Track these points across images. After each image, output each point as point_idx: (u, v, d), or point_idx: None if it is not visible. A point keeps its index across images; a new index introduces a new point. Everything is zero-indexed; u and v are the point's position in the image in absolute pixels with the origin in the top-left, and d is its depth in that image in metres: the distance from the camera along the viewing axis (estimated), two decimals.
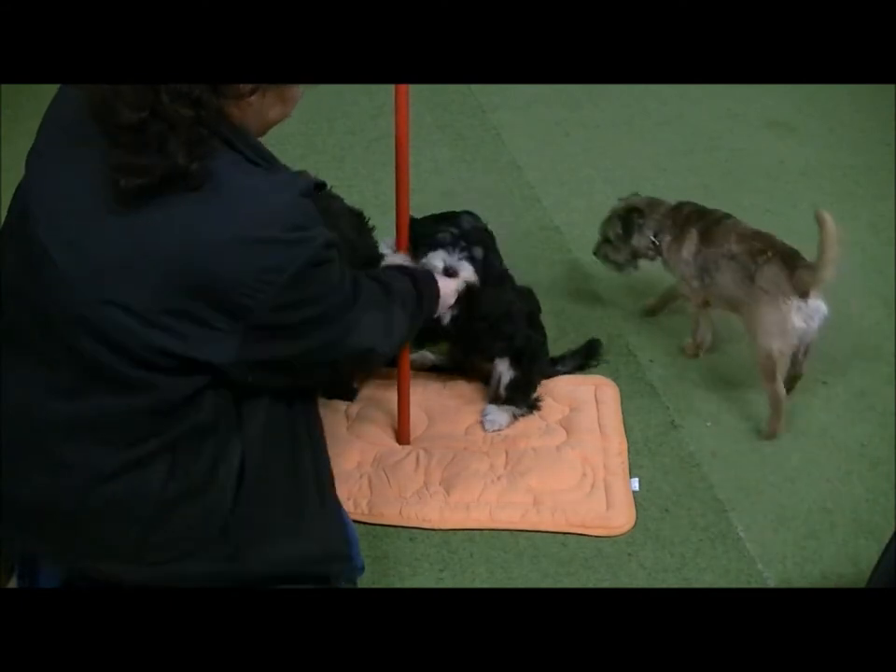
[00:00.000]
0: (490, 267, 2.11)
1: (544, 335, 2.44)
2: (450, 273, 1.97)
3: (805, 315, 2.23)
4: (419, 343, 2.39)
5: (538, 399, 2.41)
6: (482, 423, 2.35)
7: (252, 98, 1.24)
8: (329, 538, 1.56)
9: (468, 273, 1.99)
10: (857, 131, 3.82)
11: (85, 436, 1.30)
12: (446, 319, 2.11)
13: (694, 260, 2.44)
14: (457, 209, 2.20)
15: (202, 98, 1.15)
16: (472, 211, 2.20)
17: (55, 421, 1.30)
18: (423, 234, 2.06)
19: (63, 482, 1.30)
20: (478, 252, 2.06)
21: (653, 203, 2.57)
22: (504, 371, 2.34)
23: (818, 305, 2.23)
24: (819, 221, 2.13)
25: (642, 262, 2.64)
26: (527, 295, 2.40)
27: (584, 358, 2.56)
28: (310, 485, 1.51)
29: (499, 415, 2.35)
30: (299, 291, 1.26)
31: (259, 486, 1.40)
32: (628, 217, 2.56)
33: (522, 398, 2.37)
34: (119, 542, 1.35)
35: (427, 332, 2.15)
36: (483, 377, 2.45)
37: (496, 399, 2.37)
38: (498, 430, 2.33)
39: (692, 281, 2.47)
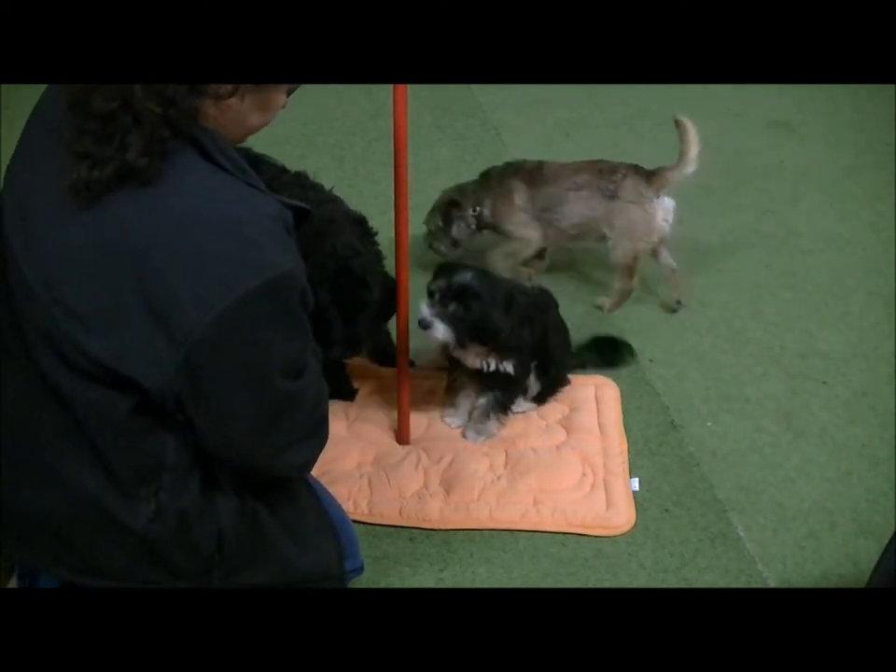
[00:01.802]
0: (475, 327, 2.09)
1: (566, 329, 2.45)
2: (423, 325, 2.05)
3: (665, 212, 2.64)
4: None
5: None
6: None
7: (231, 100, 1.19)
8: (322, 562, 1.54)
9: (438, 332, 2.04)
10: (857, 131, 3.82)
11: (62, 447, 1.27)
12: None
13: (531, 205, 2.68)
14: None
15: (175, 97, 1.12)
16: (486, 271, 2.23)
17: (35, 427, 1.28)
18: (438, 276, 2.13)
19: (54, 494, 1.29)
20: (456, 309, 2.06)
21: (463, 188, 2.81)
22: (531, 382, 2.36)
23: (670, 202, 2.65)
24: (679, 125, 2.56)
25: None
26: (542, 295, 2.40)
27: (609, 355, 2.57)
28: (302, 504, 1.50)
29: (524, 402, 2.38)
30: (240, 325, 1.14)
31: (250, 518, 1.38)
32: (446, 211, 2.77)
33: (547, 397, 2.42)
34: (103, 561, 1.33)
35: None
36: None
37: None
38: (523, 412, 2.37)
39: (528, 227, 2.72)
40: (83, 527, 1.30)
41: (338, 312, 2.07)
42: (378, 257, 2.23)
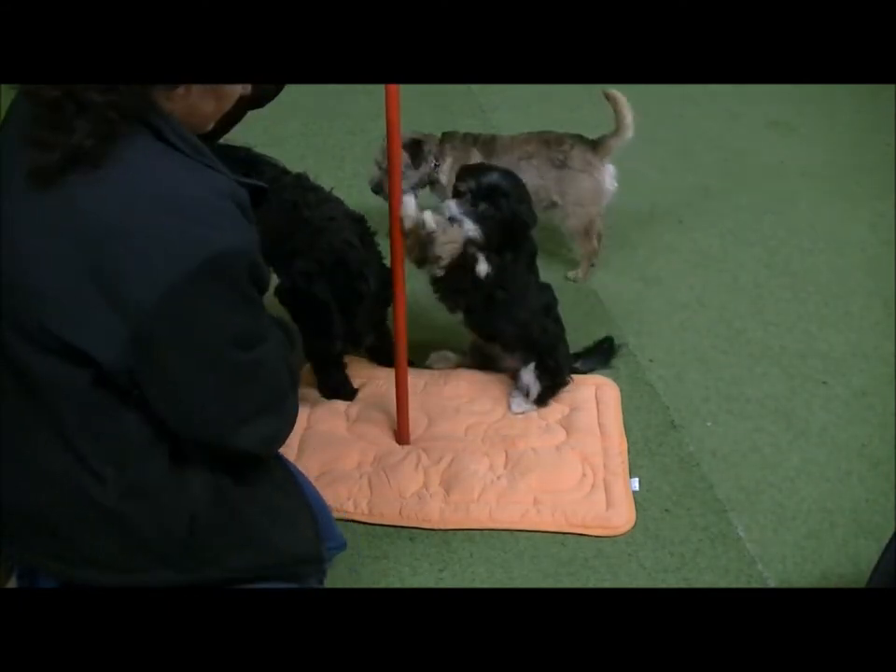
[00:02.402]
0: (501, 231, 2.12)
1: (562, 328, 2.45)
2: (452, 221, 2.04)
3: (611, 178, 2.85)
4: (450, 308, 2.34)
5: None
6: (509, 404, 2.39)
7: (180, 90, 1.23)
8: (300, 541, 1.54)
9: (469, 229, 2.02)
10: (857, 131, 3.83)
11: (34, 433, 1.29)
12: (483, 270, 2.16)
13: None
14: None
15: (118, 85, 1.15)
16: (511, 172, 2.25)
17: (13, 415, 1.30)
18: (464, 177, 2.16)
19: (16, 475, 1.31)
20: (486, 208, 2.10)
21: (427, 136, 2.89)
22: (531, 383, 2.37)
23: (613, 167, 2.86)
24: (610, 97, 2.75)
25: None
26: (544, 290, 2.40)
27: (603, 357, 2.58)
28: (277, 483, 1.50)
29: (526, 401, 2.39)
30: (187, 301, 1.18)
31: (224, 496, 1.39)
32: (415, 150, 2.82)
33: (548, 399, 2.41)
34: (77, 547, 1.34)
35: (450, 294, 2.23)
36: (505, 371, 2.48)
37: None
38: (524, 412, 2.39)
39: None
40: (58, 510, 1.32)
41: (337, 305, 2.11)
42: (375, 252, 2.26)
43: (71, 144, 1.15)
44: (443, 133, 2.93)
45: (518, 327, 2.32)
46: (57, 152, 1.15)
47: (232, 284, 1.22)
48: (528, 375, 2.36)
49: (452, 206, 2.11)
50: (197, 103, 1.27)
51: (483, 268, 2.16)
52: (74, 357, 1.21)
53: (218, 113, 1.33)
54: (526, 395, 2.38)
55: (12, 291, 1.22)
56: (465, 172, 2.23)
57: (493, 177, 2.16)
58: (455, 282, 2.20)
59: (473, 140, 2.90)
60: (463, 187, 2.14)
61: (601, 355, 2.57)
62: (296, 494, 1.57)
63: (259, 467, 1.48)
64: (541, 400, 2.39)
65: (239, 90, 1.33)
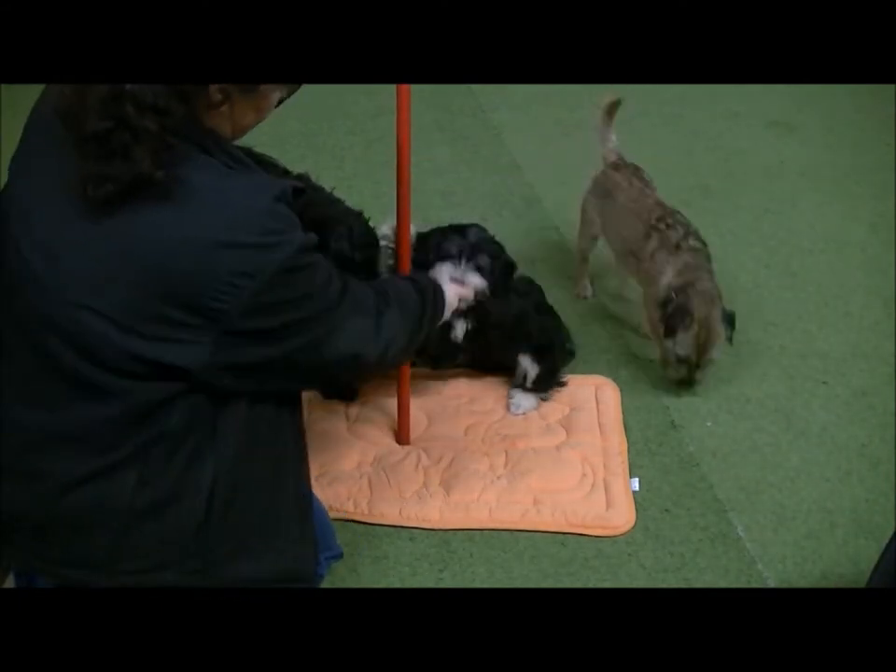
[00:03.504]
0: (498, 278, 2.13)
1: (558, 319, 2.47)
2: (457, 281, 1.98)
3: None
4: (438, 366, 2.41)
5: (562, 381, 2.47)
6: (507, 406, 2.39)
7: (223, 108, 1.25)
8: (301, 557, 1.54)
9: (476, 281, 2.01)
10: (857, 131, 3.82)
11: (57, 445, 1.29)
12: (460, 334, 2.19)
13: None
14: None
15: (168, 108, 1.15)
16: (477, 223, 2.25)
17: (30, 431, 1.29)
18: (431, 247, 2.11)
19: (33, 490, 1.30)
20: (485, 261, 2.10)
21: None
22: (528, 366, 2.37)
23: None
24: None
25: None
26: (528, 285, 2.41)
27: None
28: (289, 499, 1.49)
29: (525, 399, 2.40)
30: (273, 296, 1.24)
31: (234, 500, 1.38)
32: None
33: (547, 386, 2.42)
34: (88, 551, 1.33)
35: (444, 353, 2.25)
36: (504, 370, 2.48)
37: (521, 385, 2.40)
38: (524, 413, 2.38)
39: None
40: (65, 515, 1.31)
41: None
42: (375, 250, 2.23)
43: (137, 173, 1.15)
44: None
45: (519, 341, 2.35)
46: (120, 182, 1.15)
47: (306, 271, 1.29)
48: (525, 360, 2.37)
49: (451, 269, 2.02)
50: (238, 118, 1.29)
51: (460, 330, 2.20)
52: (159, 374, 1.23)
53: (256, 123, 1.35)
54: (524, 380, 2.38)
55: (73, 316, 1.22)
56: (436, 236, 2.17)
57: (475, 233, 2.17)
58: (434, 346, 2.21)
59: None
60: (454, 249, 2.12)
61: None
62: (306, 510, 1.56)
63: (274, 475, 1.47)
64: (540, 384, 2.39)
65: (276, 98, 1.34)
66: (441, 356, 2.31)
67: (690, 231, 2.48)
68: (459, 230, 2.18)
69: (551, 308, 2.47)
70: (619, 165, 2.70)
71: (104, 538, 1.32)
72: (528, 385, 2.39)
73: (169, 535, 1.35)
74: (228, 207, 1.21)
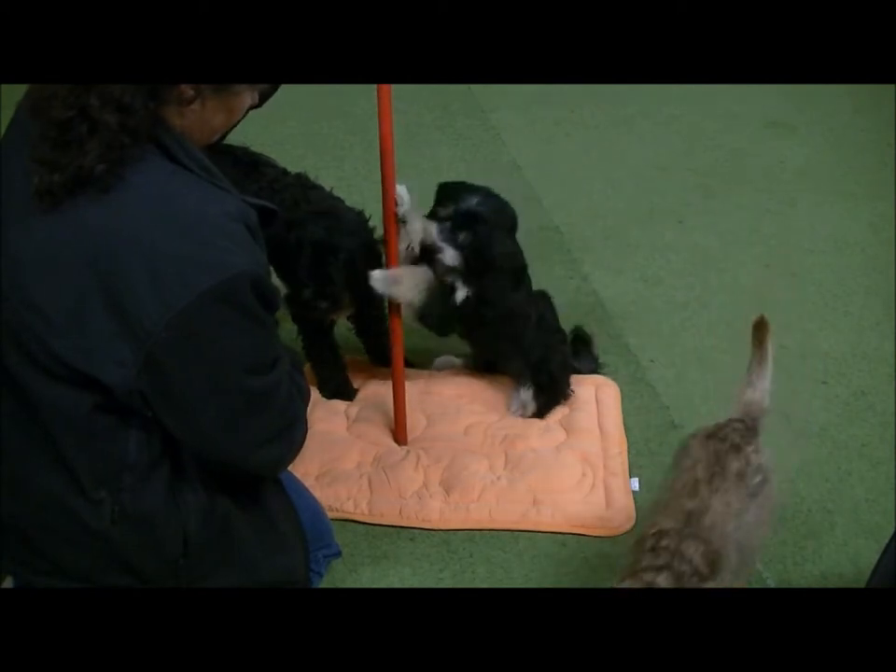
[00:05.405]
0: (487, 252, 2.08)
1: (564, 339, 2.44)
2: (432, 250, 1.99)
3: None
4: (442, 332, 2.33)
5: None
6: (509, 406, 2.38)
7: (194, 105, 1.22)
8: (288, 568, 1.54)
9: (448, 257, 1.99)
10: (857, 131, 3.82)
11: (22, 448, 1.28)
12: (459, 298, 2.13)
13: None
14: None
15: (132, 105, 1.14)
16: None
17: (10, 435, 1.29)
18: (443, 199, 2.08)
19: (18, 499, 1.31)
20: (464, 238, 2.04)
21: None
22: (528, 401, 2.36)
23: None
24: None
25: None
26: (541, 298, 2.40)
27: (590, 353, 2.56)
28: (272, 513, 1.50)
29: (527, 405, 2.38)
30: (199, 324, 1.17)
31: (216, 521, 1.38)
32: None
33: (546, 413, 2.39)
34: (73, 562, 1.34)
35: (441, 320, 2.20)
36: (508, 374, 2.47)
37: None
38: (524, 414, 2.37)
39: None
40: (48, 529, 1.31)
41: (310, 251, 2.10)
42: (363, 222, 2.23)
43: (80, 166, 1.13)
44: None
45: (510, 341, 2.32)
46: (65, 173, 1.14)
47: (242, 306, 1.20)
48: (525, 394, 2.36)
49: (433, 234, 2.04)
50: (209, 117, 1.26)
51: (460, 295, 2.13)
52: (81, 382, 1.20)
53: (227, 126, 1.32)
54: (522, 410, 2.37)
55: (19, 315, 1.20)
56: (444, 194, 2.12)
57: (471, 203, 2.07)
58: (436, 308, 2.16)
59: None
60: (442, 213, 2.07)
61: (587, 351, 2.55)
62: (290, 519, 1.55)
63: (257, 491, 1.47)
64: (540, 414, 2.38)
65: (248, 101, 1.31)
66: (442, 324, 2.26)
67: None
68: (468, 192, 2.10)
69: (560, 331, 2.41)
70: None
71: (86, 554, 1.33)
72: (527, 415, 2.37)
73: (151, 556, 1.35)
74: (170, 212, 1.17)
